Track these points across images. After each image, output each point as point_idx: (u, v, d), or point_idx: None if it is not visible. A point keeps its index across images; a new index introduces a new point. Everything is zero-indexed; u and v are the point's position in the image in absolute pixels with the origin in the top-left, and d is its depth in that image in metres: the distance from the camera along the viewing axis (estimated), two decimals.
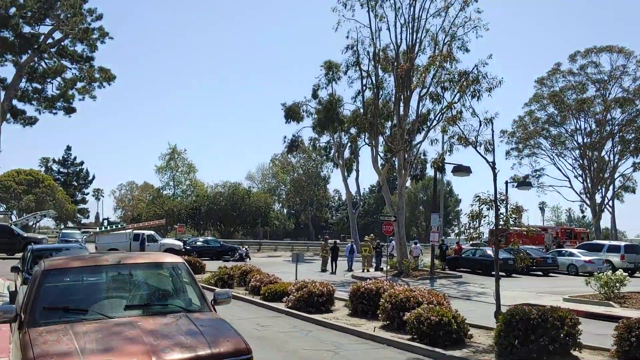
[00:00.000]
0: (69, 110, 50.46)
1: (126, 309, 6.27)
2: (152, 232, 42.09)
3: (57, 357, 4.99)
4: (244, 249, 42.79)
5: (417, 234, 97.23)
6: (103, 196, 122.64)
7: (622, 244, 37.52)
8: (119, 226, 42.79)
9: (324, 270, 32.69)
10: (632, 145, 56.34)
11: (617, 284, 18.40)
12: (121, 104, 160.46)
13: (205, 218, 78.38)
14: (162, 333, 5.55)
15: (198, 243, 44.06)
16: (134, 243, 37.82)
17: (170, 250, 35.09)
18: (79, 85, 49.71)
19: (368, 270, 32.26)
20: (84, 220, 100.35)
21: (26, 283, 8.90)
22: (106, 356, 5.03)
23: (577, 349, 10.24)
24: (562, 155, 61.17)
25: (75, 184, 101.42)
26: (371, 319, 14.07)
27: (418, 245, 37.65)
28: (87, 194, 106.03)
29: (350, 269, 33.32)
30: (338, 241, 37.93)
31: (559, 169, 61.04)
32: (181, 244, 40.77)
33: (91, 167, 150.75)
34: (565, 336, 9.93)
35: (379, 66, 34.74)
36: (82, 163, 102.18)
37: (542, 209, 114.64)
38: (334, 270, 32.20)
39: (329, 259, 33.11)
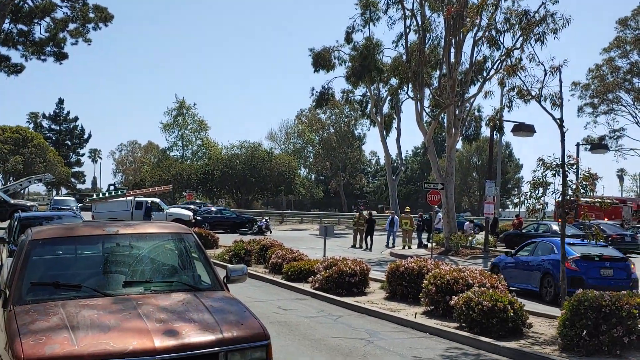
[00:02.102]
0: (60, 56, 50.81)
1: (125, 286, 6.40)
2: (158, 200, 42.71)
3: (46, 338, 5.13)
4: (264, 220, 43.15)
5: (469, 205, 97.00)
6: (101, 158, 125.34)
7: None
8: (120, 192, 43.41)
9: (357, 246, 32.94)
10: None
11: None
12: (121, 51, 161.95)
13: (219, 184, 78.91)
14: (166, 313, 5.67)
15: (211, 213, 44.56)
16: (136, 212, 38.43)
17: (179, 220, 35.40)
18: (71, 26, 49.92)
19: (409, 247, 32.39)
20: (79, 186, 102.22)
21: (12, 255, 9.12)
22: (102, 337, 5.16)
23: None
24: None
25: (69, 143, 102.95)
26: (412, 304, 14.17)
27: (471, 224, 37.97)
28: (83, 155, 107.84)
29: (389, 245, 33.52)
30: (374, 212, 38.00)
31: None
32: (191, 213, 41.26)
33: (87, 124, 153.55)
34: None
35: (426, 4, 34.22)
36: (76, 119, 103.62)
37: (620, 177, 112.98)
38: (369, 247, 32.44)
39: (364, 233, 33.30)
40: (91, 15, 49.25)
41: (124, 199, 39.86)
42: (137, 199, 40.22)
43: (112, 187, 59.73)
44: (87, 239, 7.09)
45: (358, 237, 33.69)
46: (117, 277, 6.60)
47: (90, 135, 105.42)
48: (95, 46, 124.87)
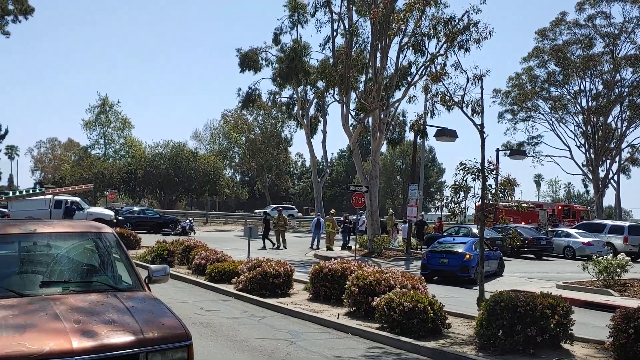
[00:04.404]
0: None
1: (42, 286, 6.23)
2: (78, 199, 41.59)
3: None
4: (187, 221, 42.66)
5: (393, 207, 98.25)
6: (18, 155, 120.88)
7: (626, 224, 38.50)
8: (38, 190, 42.08)
9: (281, 247, 32.99)
10: None
11: (618, 270, 18.98)
12: (41, 44, 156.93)
13: (142, 184, 77.54)
14: (85, 313, 5.55)
15: (133, 213, 43.76)
16: (55, 211, 37.37)
17: (100, 220, 34.57)
18: None
19: (333, 249, 32.59)
20: None
21: None
22: (17, 338, 5.01)
23: (568, 341, 10.59)
24: (563, 121, 62.03)
25: None
26: (335, 305, 14.28)
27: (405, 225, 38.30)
28: None
29: (314, 247, 33.69)
30: (270, 212, 38.44)
31: (559, 137, 62.03)
32: (112, 213, 40.43)
33: (4, 119, 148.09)
34: (555, 327, 10.24)
35: (354, 8, 34.56)
36: None
37: (537, 183, 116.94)
38: (265, 246, 32.78)
39: (284, 234, 33.77)
40: (10, 7, 47.75)
41: (42, 197, 38.66)
42: (56, 197, 39.11)
43: (38, 186, 57.72)
44: (2, 238, 6.86)
45: (280, 238, 33.74)
46: (33, 277, 6.41)
47: (7, 131, 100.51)
48: (14, 39, 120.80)
